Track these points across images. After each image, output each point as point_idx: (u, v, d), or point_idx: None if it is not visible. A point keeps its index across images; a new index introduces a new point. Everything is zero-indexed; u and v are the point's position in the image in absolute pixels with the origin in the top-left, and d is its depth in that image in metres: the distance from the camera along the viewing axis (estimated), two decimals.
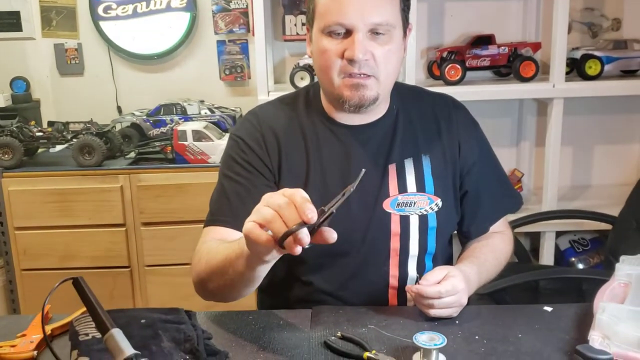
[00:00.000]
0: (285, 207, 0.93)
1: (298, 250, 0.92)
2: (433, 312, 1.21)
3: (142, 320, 1.06)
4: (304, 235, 0.91)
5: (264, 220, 0.94)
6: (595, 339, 1.05)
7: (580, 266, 2.94)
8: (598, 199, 2.87)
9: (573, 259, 2.95)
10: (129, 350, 0.78)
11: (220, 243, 1.23)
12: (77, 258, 2.62)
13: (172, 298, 2.57)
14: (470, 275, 1.29)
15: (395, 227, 1.35)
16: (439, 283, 1.21)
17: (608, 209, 2.45)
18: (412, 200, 1.35)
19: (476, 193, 1.43)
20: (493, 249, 1.44)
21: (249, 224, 0.96)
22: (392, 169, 1.36)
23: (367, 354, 1.09)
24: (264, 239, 0.94)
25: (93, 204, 2.59)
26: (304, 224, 0.91)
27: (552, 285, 2.18)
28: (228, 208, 1.33)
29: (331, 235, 0.95)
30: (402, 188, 1.36)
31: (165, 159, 2.66)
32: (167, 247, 2.62)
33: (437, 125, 1.41)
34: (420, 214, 1.36)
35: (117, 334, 0.80)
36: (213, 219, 1.35)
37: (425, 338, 1.08)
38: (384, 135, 1.37)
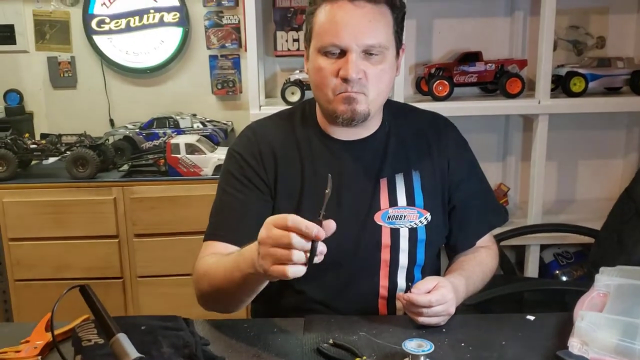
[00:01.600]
0: (296, 241, 1.03)
1: (321, 258, 1.06)
2: (422, 320, 1.26)
3: (142, 327, 1.10)
4: (323, 247, 1.05)
5: (286, 259, 1.04)
6: (575, 345, 1.11)
7: (564, 279, 3.00)
8: (582, 213, 2.93)
9: (557, 272, 3.01)
10: (134, 353, 0.82)
11: (220, 259, 1.30)
12: (70, 269, 2.65)
13: (165, 309, 2.59)
14: (458, 287, 1.34)
15: (385, 239, 1.40)
16: (429, 292, 1.25)
17: (591, 223, 2.50)
18: (403, 214, 1.41)
19: (463, 208, 1.49)
20: (480, 262, 1.50)
21: (276, 269, 1.05)
22: (383, 183, 1.41)
23: (357, 359, 1.14)
24: (294, 274, 1.04)
25: (86, 215, 2.62)
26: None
27: (536, 297, 2.24)
28: (225, 223, 1.39)
29: (331, 225, 1.06)
30: (393, 202, 1.41)
31: (158, 172, 2.70)
32: (159, 259, 2.66)
33: (427, 143, 1.47)
34: (410, 227, 1.41)
35: (122, 338, 0.84)
36: (211, 234, 1.41)
37: (413, 345, 1.12)
38: (376, 151, 1.43)
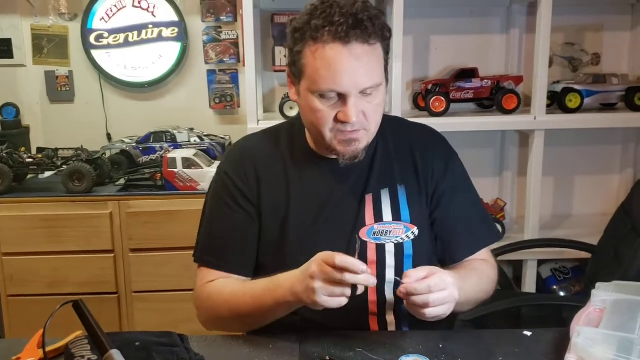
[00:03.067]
0: (349, 277, 1.15)
1: (362, 290, 1.21)
2: (429, 312, 1.19)
3: (137, 343, 1.09)
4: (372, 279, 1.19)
5: (340, 294, 1.18)
6: None
7: (562, 294, 2.99)
8: (578, 228, 2.92)
9: (555, 287, 3.00)
10: None
11: (243, 286, 1.36)
12: (65, 284, 2.63)
13: (160, 324, 2.57)
14: (454, 275, 1.27)
15: (371, 255, 1.39)
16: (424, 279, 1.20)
17: (588, 238, 2.50)
18: (388, 229, 1.40)
19: (448, 222, 1.46)
20: (474, 268, 1.45)
21: (331, 301, 1.18)
22: (368, 199, 1.41)
23: None
24: (343, 303, 1.19)
25: (82, 230, 2.61)
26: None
27: (533, 312, 2.23)
28: (219, 251, 1.42)
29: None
30: (378, 217, 1.40)
31: (154, 186, 2.70)
32: (155, 274, 2.64)
33: (412, 155, 1.46)
34: (396, 242, 1.40)
35: (116, 354, 0.84)
36: (205, 260, 1.43)
37: None
38: (363, 168, 1.42)
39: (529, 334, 1.31)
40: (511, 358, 1.21)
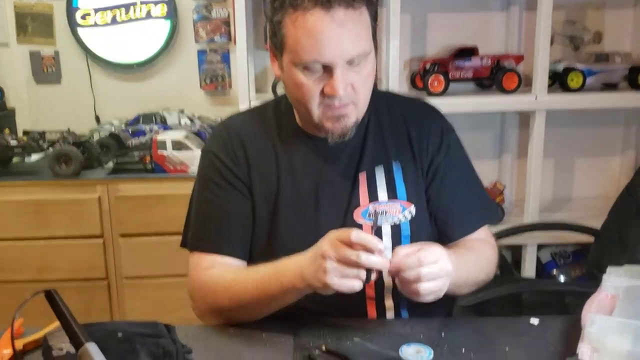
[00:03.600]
0: (364, 258, 1.07)
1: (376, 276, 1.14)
2: (422, 288, 1.10)
3: (119, 334, 1.02)
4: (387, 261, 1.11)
5: (354, 276, 1.09)
6: (585, 351, 1.04)
7: (562, 278, 2.93)
8: (579, 211, 2.86)
9: (555, 271, 2.94)
10: None
11: (244, 273, 1.27)
12: (53, 270, 2.56)
13: (151, 311, 2.52)
14: (447, 251, 1.18)
15: None
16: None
17: (589, 221, 2.44)
18: (384, 210, 1.32)
19: (444, 198, 1.38)
20: (472, 247, 1.37)
21: (344, 284, 1.09)
22: (362, 178, 1.33)
23: None
24: (356, 289, 1.10)
25: (70, 214, 2.53)
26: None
27: (535, 298, 2.17)
28: (214, 232, 1.33)
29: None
30: (373, 197, 1.32)
31: (144, 169, 2.62)
32: (146, 259, 2.57)
33: (407, 130, 1.37)
34: (392, 223, 1.32)
35: (91, 348, 0.76)
36: (200, 245, 1.34)
37: (411, 351, 1.05)
38: (355, 145, 1.34)
39: (536, 322, 1.24)
40: (518, 348, 1.14)
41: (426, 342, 1.13)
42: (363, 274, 1.08)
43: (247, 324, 1.27)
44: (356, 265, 1.07)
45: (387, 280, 1.32)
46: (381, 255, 1.09)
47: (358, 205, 1.32)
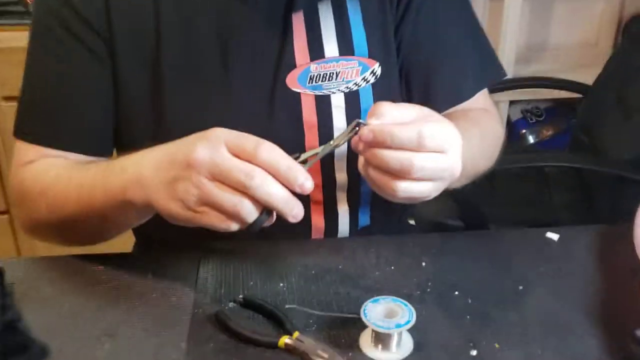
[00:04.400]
0: (264, 184, 0.61)
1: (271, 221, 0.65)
2: (405, 189, 0.64)
3: None
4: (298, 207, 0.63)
5: (233, 212, 0.62)
6: None
7: (531, 139, 2.59)
8: (555, 63, 2.49)
9: (524, 131, 2.59)
10: None
11: (67, 172, 0.81)
12: None
13: None
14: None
15: (309, 114, 0.87)
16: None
17: (567, 74, 2.08)
18: (334, 70, 0.86)
19: (425, 50, 0.92)
20: (472, 118, 0.93)
21: (210, 220, 0.63)
22: (297, 22, 0.85)
23: (285, 338, 0.66)
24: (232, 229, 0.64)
25: None
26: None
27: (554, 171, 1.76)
28: (43, 113, 0.86)
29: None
30: (317, 51, 0.86)
31: (25, 13, 2.07)
32: None
33: None
34: (347, 90, 0.87)
35: None
36: (23, 130, 0.87)
37: (380, 312, 0.65)
38: None
39: (555, 237, 0.85)
40: (537, 287, 0.76)
41: (401, 283, 0.74)
42: (251, 211, 0.62)
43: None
44: (243, 193, 0.61)
45: (341, 176, 0.90)
46: (293, 198, 0.63)
47: (293, 65, 0.85)
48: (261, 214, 0.62)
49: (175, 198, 0.63)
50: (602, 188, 1.66)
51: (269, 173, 0.61)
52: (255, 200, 0.61)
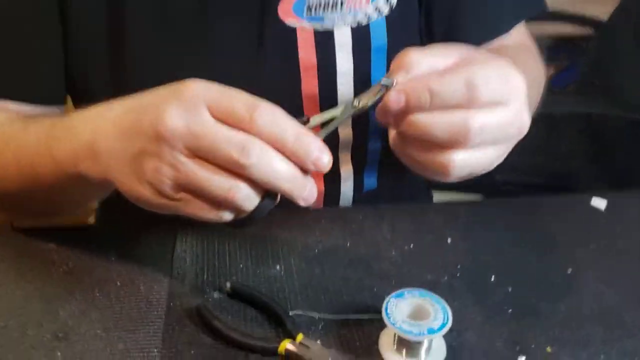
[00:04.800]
0: (266, 163, 0.44)
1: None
2: (460, 161, 0.47)
3: None
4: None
5: (221, 196, 0.45)
6: None
7: None
8: None
9: None
10: None
11: (9, 128, 0.64)
12: None
13: None
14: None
15: (306, 53, 0.69)
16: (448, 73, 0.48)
17: (574, 5, 1.94)
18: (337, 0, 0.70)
19: None
20: (517, 56, 0.73)
21: (185, 206, 0.47)
22: None
23: (287, 343, 0.52)
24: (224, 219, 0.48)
25: None
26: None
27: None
28: None
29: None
30: None
31: None
32: None
33: None
34: (354, 23, 0.70)
35: None
36: None
37: (405, 310, 0.51)
38: None
39: (602, 205, 0.72)
40: (588, 269, 0.62)
41: (428, 269, 0.61)
42: (248, 197, 0.46)
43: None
44: (235, 173, 0.44)
45: (345, 136, 0.75)
46: (314, 167, 0.46)
47: None
48: (262, 199, 0.46)
49: (143, 180, 0.46)
50: (617, 135, 1.52)
51: (270, 145, 0.45)
52: (253, 181, 0.45)
